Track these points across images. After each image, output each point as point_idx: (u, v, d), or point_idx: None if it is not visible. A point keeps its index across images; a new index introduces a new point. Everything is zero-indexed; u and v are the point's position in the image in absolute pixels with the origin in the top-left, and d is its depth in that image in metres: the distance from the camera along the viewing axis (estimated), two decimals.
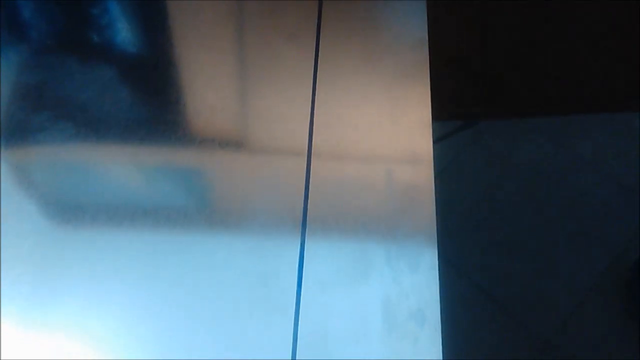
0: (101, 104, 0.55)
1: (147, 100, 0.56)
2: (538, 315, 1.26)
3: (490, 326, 1.25)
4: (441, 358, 0.42)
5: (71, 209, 0.49)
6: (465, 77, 1.34)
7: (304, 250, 0.47)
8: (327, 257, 0.47)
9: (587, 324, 1.25)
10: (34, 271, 0.46)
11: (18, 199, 0.50)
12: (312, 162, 0.52)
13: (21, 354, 0.43)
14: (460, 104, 1.41)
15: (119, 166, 0.52)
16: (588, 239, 1.35)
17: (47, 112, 0.54)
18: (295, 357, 0.43)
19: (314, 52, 0.58)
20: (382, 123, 0.54)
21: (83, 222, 0.49)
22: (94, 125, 0.54)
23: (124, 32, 0.61)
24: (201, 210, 0.50)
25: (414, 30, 0.59)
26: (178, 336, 0.44)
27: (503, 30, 1.23)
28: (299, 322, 0.44)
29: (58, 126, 0.54)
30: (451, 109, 1.39)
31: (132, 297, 0.45)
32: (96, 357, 0.43)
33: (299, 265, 0.46)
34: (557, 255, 1.33)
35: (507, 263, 1.32)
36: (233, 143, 0.54)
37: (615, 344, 1.23)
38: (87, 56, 0.58)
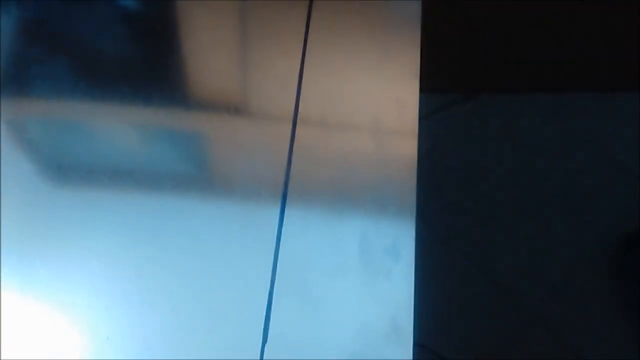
0: (97, 42, 0.56)
1: (142, 45, 0.57)
2: (527, 287, 1.28)
3: (478, 296, 1.27)
4: (413, 292, 0.44)
5: (60, 166, 0.50)
6: (460, 52, 1.34)
7: (286, 196, 0.49)
8: (308, 204, 0.49)
9: (575, 297, 1.27)
10: (22, 232, 0.47)
11: (13, 142, 0.51)
12: (297, 126, 0.53)
13: (15, 321, 0.44)
14: (455, 77, 1.41)
15: (110, 119, 0.53)
16: (581, 214, 1.36)
17: (44, 46, 0.56)
18: (273, 288, 0.45)
19: (306, 14, 0.59)
20: (370, 92, 0.55)
21: (71, 177, 0.50)
22: (89, 61, 0.55)
23: None
24: (190, 170, 0.51)
25: (409, 1, 0.60)
26: (165, 283, 0.45)
27: (502, 6, 1.23)
28: (279, 256, 0.46)
29: (53, 59, 0.55)
30: (444, 83, 1.40)
31: (120, 257, 0.46)
32: (88, 325, 0.44)
33: (281, 209, 0.48)
34: (550, 229, 1.34)
35: (501, 237, 1.34)
36: (226, 106, 0.55)
37: (601, 319, 1.25)
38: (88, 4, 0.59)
